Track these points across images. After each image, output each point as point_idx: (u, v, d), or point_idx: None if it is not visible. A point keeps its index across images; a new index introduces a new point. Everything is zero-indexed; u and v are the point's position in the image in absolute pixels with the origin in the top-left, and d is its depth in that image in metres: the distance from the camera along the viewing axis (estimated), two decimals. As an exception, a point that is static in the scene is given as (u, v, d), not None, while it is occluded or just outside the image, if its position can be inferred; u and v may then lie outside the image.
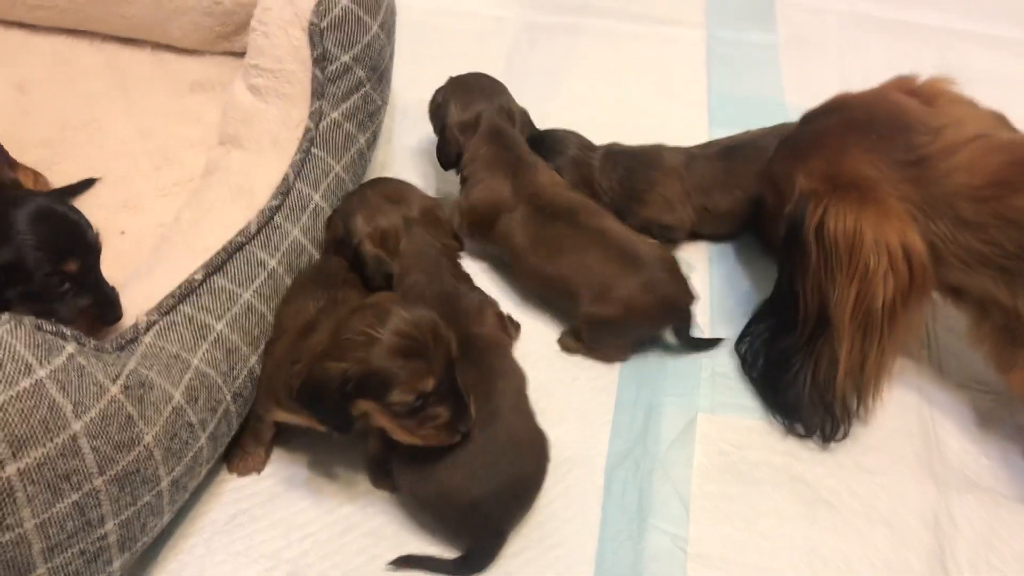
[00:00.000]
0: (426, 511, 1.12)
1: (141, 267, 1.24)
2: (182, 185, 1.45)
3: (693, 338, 1.31)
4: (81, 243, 1.06)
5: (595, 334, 1.30)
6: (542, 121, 1.55)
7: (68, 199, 1.41)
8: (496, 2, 1.95)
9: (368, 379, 0.98)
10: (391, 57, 1.47)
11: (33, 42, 1.68)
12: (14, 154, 1.43)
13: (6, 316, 0.88)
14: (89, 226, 1.08)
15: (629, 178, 1.45)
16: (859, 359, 1.13)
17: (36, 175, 1.43)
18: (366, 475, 1.18)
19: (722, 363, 1.32)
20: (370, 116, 1.42)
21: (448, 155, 1.43)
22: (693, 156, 1.46)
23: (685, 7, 1.96)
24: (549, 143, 1.47)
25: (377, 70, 1.41)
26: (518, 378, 1.17)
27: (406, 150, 1.63)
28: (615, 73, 1.80)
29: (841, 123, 1.15)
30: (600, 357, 1.32)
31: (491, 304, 1.27)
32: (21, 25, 1.70)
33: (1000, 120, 1.19)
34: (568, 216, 1.31)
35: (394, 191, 1.28)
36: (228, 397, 1.10)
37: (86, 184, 1.45)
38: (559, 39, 1.88)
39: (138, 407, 0.96)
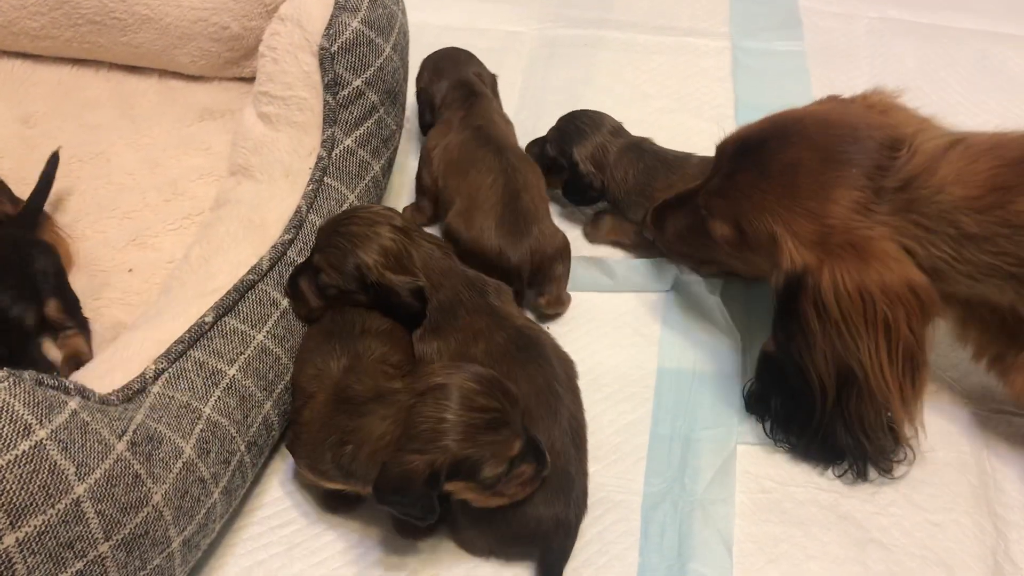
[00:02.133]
0: (501, 532, 1.06)
1: (150, 309, 1.19)
2: (191, 218, 1.40)
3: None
4: None
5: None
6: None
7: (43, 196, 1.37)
8: (512, 17, 1.89)
9: (459, 464, 0.93)
10: (405, 79, 1.41)
11: (38, 73, 1.64)
12: (20, 190, 1.39)
13: (4, 372, 0.82)
14: (14, 302, 1.00)
15: (646, 175, 1.40)
16: (913, 395, 1.07)
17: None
18: (389, 524, 1.12)
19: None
20: (384, 142, 1.37)
21: (423, 117, 1.50)
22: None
23: (708, 17, 1.89)
24: (577, 120, 1.46)
25: (391, 94, 1.36)
26: (568, 364, 1.14)
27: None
28: (637, 86, 1.74)
29: (810, 156, 1.05)
30: None
31: (506, 289, 1.20)
32: (24, 56, 1.65)
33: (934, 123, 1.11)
34: (497, 147, 1.36)
35: (370, 215, 1.15)
36: (242, 447, 1.04)
37: (50, 167, 1.39)
38: (578, 53, 1.81)
39: (146, 464, 0.91)
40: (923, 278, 1.02)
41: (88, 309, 1.29)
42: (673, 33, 1.85)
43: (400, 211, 1.26)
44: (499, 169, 1.32)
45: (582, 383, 1.15)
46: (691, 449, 1.19)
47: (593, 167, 1.42)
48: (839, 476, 1.16)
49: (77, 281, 1.32)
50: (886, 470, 1.15)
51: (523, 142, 1.60)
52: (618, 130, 1.46)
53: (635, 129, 1.51)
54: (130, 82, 1.62)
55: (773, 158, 1.08)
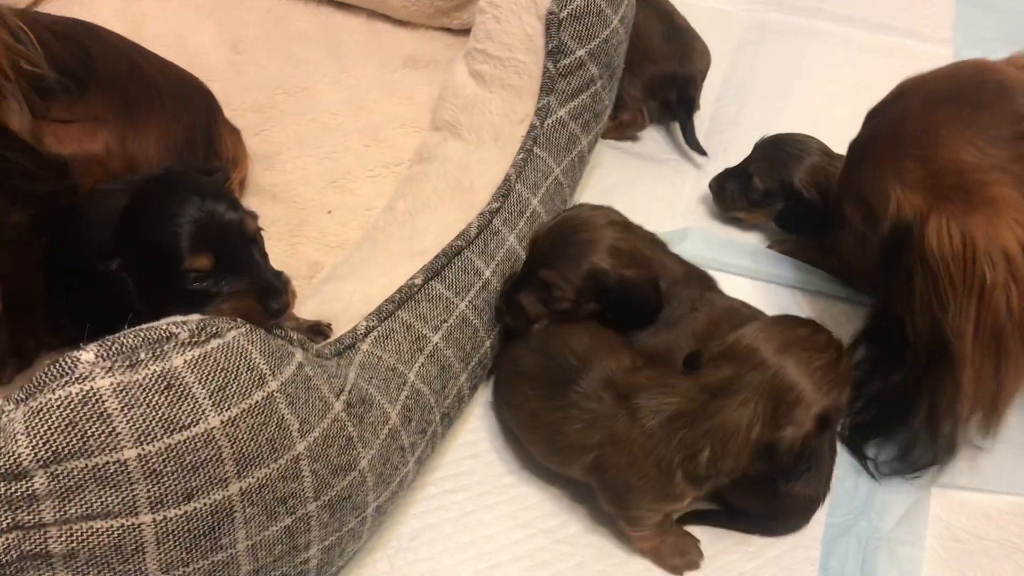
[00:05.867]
0: (770, 510, 1.09)
1: (353, 256, 1.19)
2: (390, 168, 1.39)
3: (688, 123, 1.49)
4: (212, 233, 0.89)
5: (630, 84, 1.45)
6: (765, 131, 1.41)
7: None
8: (723, -5, 1.81)
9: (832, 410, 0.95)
10: (624, 55, 1.36)
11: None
12: (228, 114, 1.39)
13: (239, 320, 0.82)
14: (231, 208, 0.91)
15: None
16: (991, 386, 0.97)
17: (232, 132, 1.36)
18: (563, 509, 1.11)
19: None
20: (596, 117, 1.33)
21: None
22: None
23: (931, 20, 1.78)
24: (786, 146, 1.35)
25: (610, 67, 1.32)
26: None
27: (616, 152, 1.52)
28: (849, 86, 1.64)
29: (922, 101, 0.99)
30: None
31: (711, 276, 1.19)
32: (239, -20, 1.66)
33: None
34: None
35: (587, 218, 1.10)
36: (437, 418, 1.03)
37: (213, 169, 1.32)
38: (789, 41, 1.73)
39: (358, 427, 0.90)
40: None
41: (285, 244, 1.29)
42: (891, 33, 1.75)
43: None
44: (644, 4, 1.43)
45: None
46: (881, 483, 1.14)
47: (818, 193, 1.30)
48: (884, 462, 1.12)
49: (275, 212, 1.32)
50: (918, 466, 1.09)
51: (721, 131, 1.55)
52: (829, 152, 1.34)
53: (844, 131, 1.43)
54: (338, 19, 1.61)
55: (884, 118, 1.04)
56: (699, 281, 1.14)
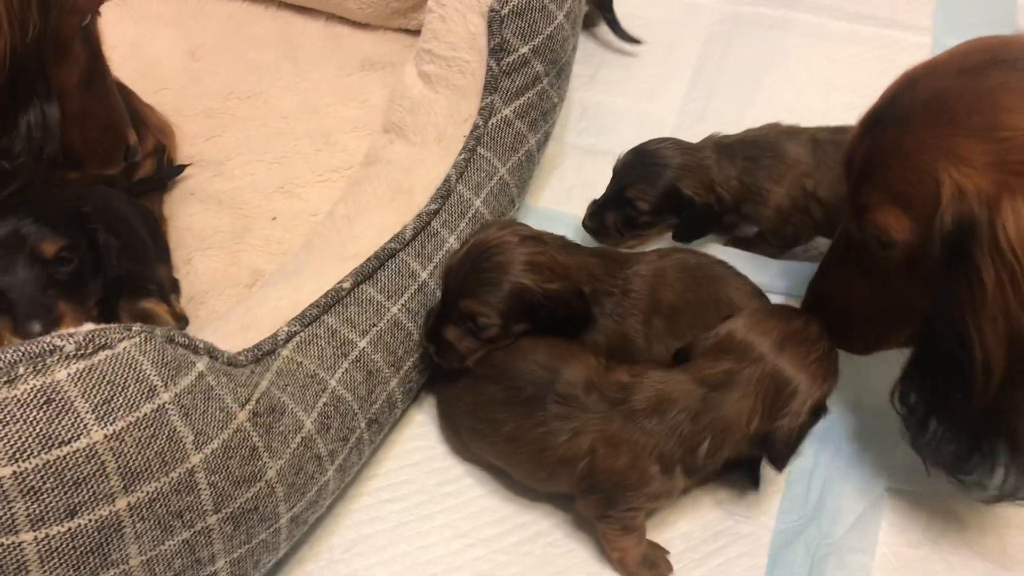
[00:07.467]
0: None
1: (289, 263, 1.18)
2: (340, 172, 1.37)
3: (612, 18, 1.59)
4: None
5: None
6: (735, 128, 1.37)
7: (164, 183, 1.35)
8: (696, -13, 1.77)
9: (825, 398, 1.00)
10: (574, 50, 1.33)
11: (209, 6, 1.63)
12: (178, 120, 1.40)
13: (137, 327, 0.80)
14: (30, 226, 0.97)
15: (749, 173, 1.24)
16: None
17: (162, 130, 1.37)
18: (504, 523, 1.08)
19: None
20: (544, 115, 1.29)
21: None
22: (819, 142, 1.25)
23: (911, 8, 1.72)
24: (651, 158, 1.24)
25: (557, 64, 1.28)
26: None
27: (577, 151, 1.49)
28: (824, 77, 1.60)
29: (957, 74, 0.83)
30: None
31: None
32: (198, -13, 1.66)
33: None
34: None
35: (499, 238, 1.04)
36: (363, 424, 1.01)
37: (177, 170, 1.38)
38: (763, 34, 1.69)
39: (265, 437, 0.88)
40: None
41: (228, 252, 1.28)
42: (870, 23, 1.69)
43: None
44: None
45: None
46: (833, 487, 1.10)
47: (704, 191, 1.23)
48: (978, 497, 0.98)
49: (220, 220, 1.32)
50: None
51: (688, 127, 1.51)
52: (683, 145, 1.25)
53: (817, 123, 1.38)
54: (297, 23, 1.60)
55: (909, 104, 0.86)
56: (617, 265, 1.11)
